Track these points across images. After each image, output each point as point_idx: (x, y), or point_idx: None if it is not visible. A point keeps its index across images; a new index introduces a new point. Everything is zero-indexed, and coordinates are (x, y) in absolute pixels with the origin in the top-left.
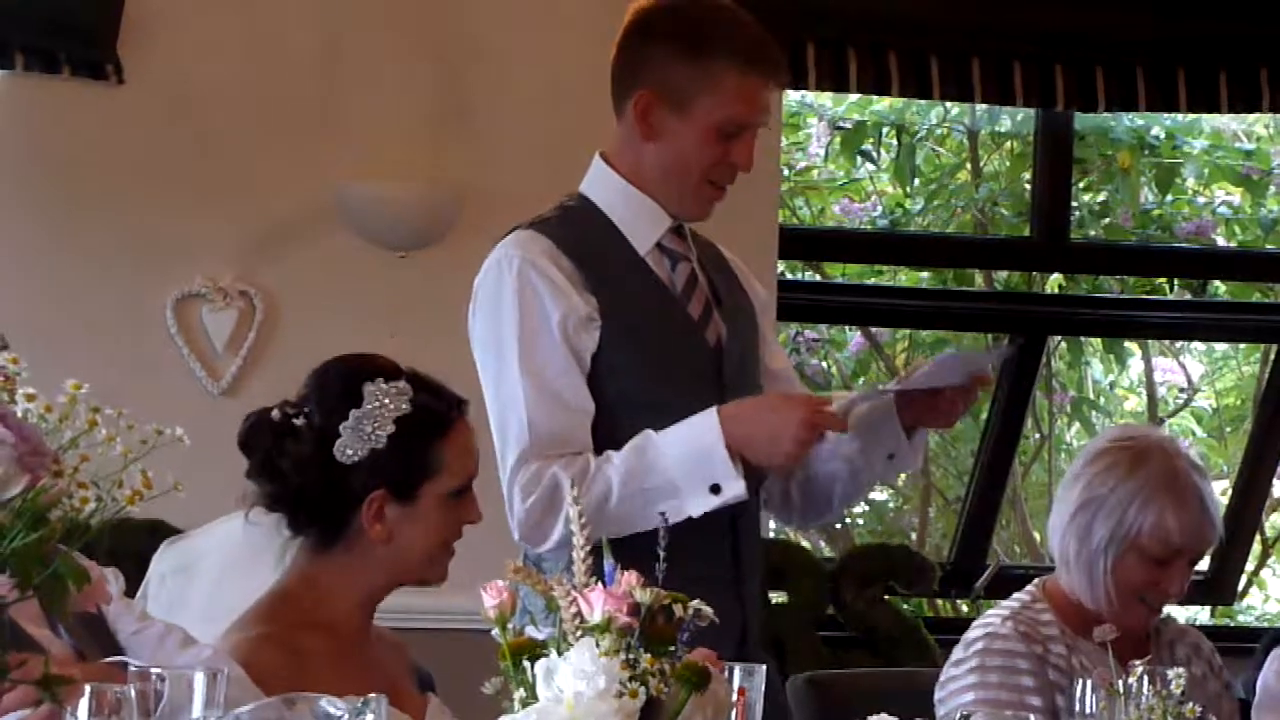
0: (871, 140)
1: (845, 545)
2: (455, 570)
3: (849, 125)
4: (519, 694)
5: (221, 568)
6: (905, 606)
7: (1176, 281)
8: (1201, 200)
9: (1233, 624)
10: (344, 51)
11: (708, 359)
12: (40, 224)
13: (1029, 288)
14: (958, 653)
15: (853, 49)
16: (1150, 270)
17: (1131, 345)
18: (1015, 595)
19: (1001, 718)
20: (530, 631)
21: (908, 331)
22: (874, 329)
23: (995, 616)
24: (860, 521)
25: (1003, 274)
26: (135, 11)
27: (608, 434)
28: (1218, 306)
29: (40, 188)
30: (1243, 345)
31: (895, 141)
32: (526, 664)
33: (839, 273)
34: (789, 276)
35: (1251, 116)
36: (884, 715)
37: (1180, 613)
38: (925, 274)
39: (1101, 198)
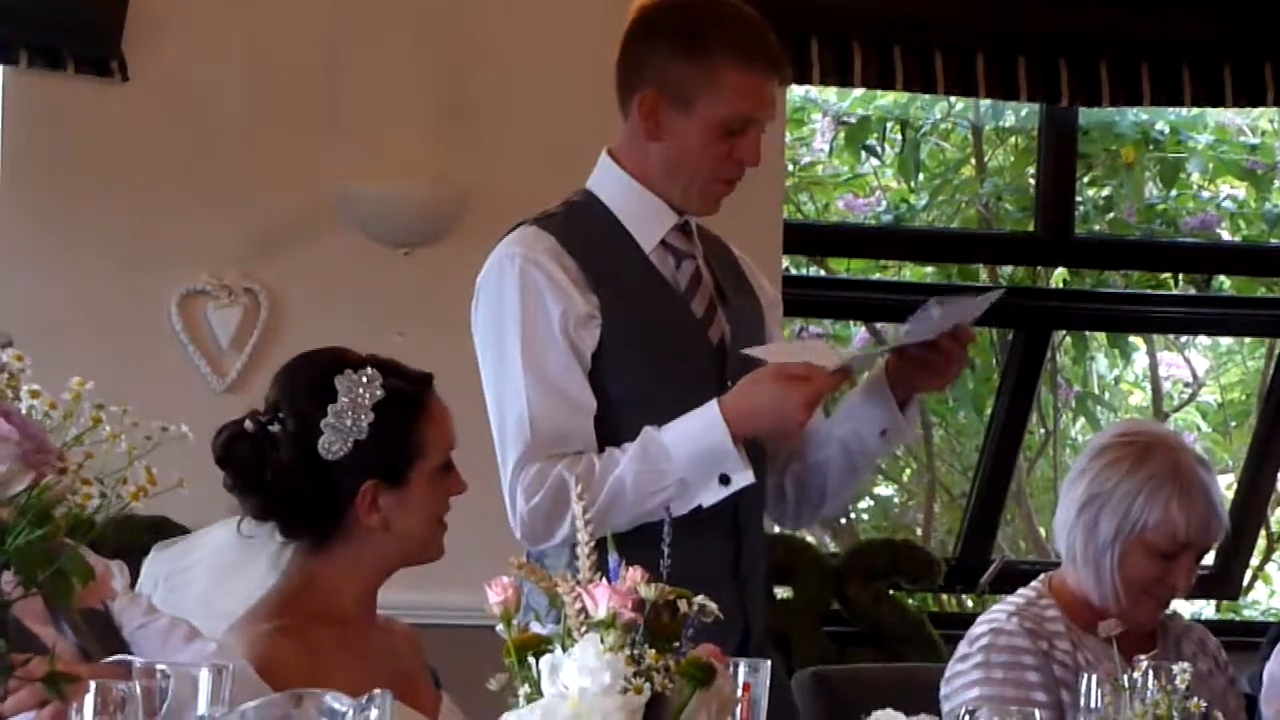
0: (876, 135)
1: (850, 541)
2: (459, 566)
3: (853, 120)
4: (524, 690)
5: (215, 572)
6: (910, 602)
7: (1181, 276)
8: (1206, 195)
9: (1238, 618)
10: (348, 50)
11: (711, 357)
12: (44, 221)
13: (1033, 282)
14: (963, 649)
15: (857, 43)
16: (1155, 265)
17: (1136, 340)
18: (1020, 591)
19: (1007, 713)
20: (535, 628)
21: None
22: (879, 324)
23: (1000, 612)
24: (865, 517)
25: (1007, 269)
26: (140, 9)
27: (610, 432)
28: (1222, 301)
29: (44, 185)
30: (1247, 340)
31: (899, 136)
32: (531, 660)
33: (843, 268)
34: (794, 272)
35: (1256, 111)
36: (889, 710)
37: (1185, 607)
38: (930, 269)
39: (1106, 192)
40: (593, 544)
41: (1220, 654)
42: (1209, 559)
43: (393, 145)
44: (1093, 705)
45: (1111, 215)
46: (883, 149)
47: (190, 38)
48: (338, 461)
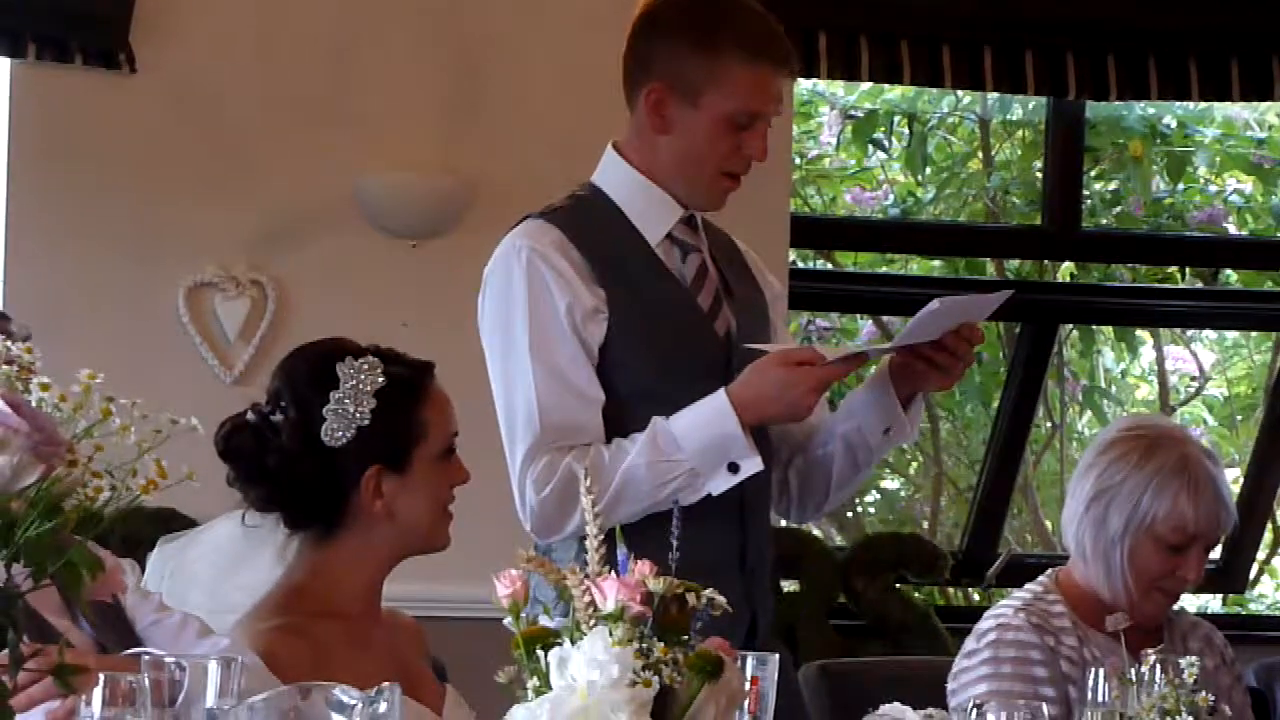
0: (883, 129)
1: (857, 534)
2: (466, 558)
3: (860, 114)
4: (532, 683)
5: (219, 566)
6: (917, 595)
7: (1188, 270)
8: (1213, 189)
9: (1244, 612)
10: (356, 42)
11: (717, 350)
12: (52, 213)
13: (1040, 276)
14: (970, 644)
15: (864, 37)
16: (1162, 259)
17: (1143, 334)
18: (1027, 586)
19: (1014, 708)
20: (543, 621)
21: None
22: (885, 317)
23: (1007, 608)
24: (872, 510)
25: (1014, 262)
26: (147, 2)
27: (617, 425)
28: (1229, 295)
29: (52, 177)
30: (1254, 334)
31: (907, 130)
32: (540, 653)
33: (850, 261)
34: (800, 265)
35: (1263, 105)
36: (896, 704)
37: (1192, 601)
38: (937, 262)
39: (1113, 186)
40: (601, 537)
41: (1226, 650)
42: (1215, 553)
43: (400, 138)
44: (1100, 699)
45: (1118, 209)
46: (890, 143)
47: (198, 30)
48: (340, 448)
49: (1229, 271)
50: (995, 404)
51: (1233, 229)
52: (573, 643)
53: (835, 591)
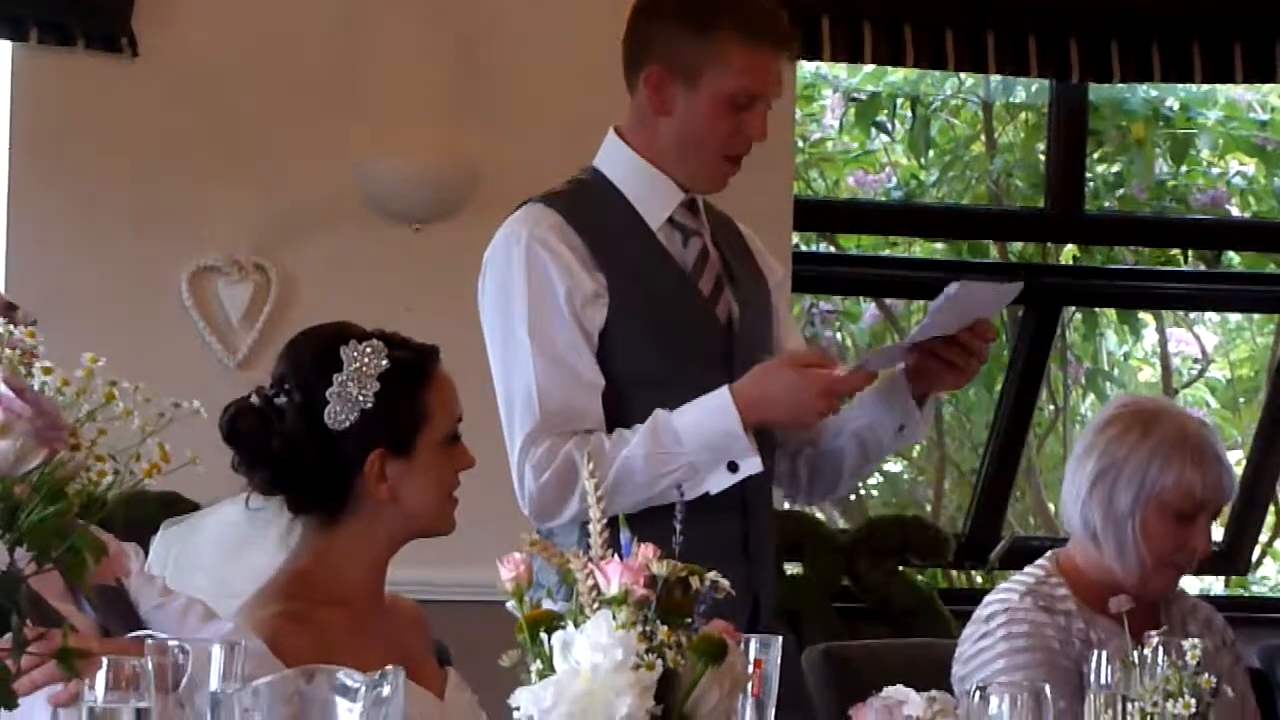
0: (886, 112)
1: (860, 517)
2: (469, 542)
3: (863, 97)
4: (536, 666)
5: (224, 552)
6: (920, 578)
7: (1191, 252)
8: (1216, 171)
9: (1246, 594)
10: (360, 25)
11: (718, 335)
12: (54, 197)
13: (1043, 259)
14: (977, 628)
15: (867, 20)
16: (1165, 241)
17: (1146, 316)
18: (1027, 570)
19: (1018, 689)
20: (546, 604)
21: (922, 303)
22: (888, 300)
23: (1011, 592)
24: (875, 494)
25: (1017, 245)
26: None
27: (617, 410)
28: (1232, 277)
29: (54, 160)
30: (1257, 316)
31: (910, 113)
32: (543, 636)
33: (853, 244)
34: (804, 248)
35: (1266, 87)
36: (899, 687)
37: (1194, 583)
38: (940, 245)
39: (1116, 169)
40: (604, 521)
41: (1227, 631)
42: (1218, 535)
43: (404, 122)
44: (1104, 682)
45: (1121, 192)
46: (893, 125)
47: (200, 14)
48: (344, 431)
49: (1232, 254)
50: (998, 387)
51: (1235, 211)
52: (576, 626)
53: (839, 575)
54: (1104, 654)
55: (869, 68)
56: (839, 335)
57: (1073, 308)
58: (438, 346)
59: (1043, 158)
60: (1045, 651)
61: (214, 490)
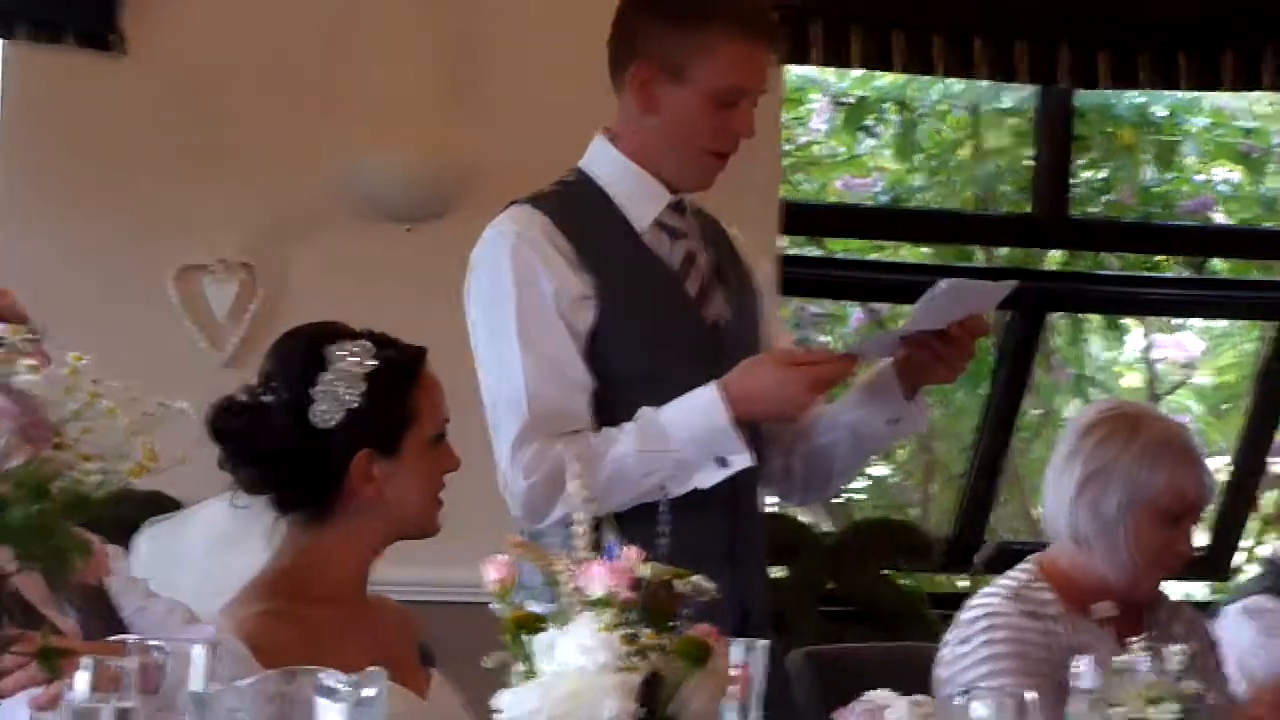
0: (873, 116)
1: (846, 520)
2: (454, 543)
3: (851, 101)
4: (520, 668)
5: (210, 550)
6: (905, 581)
7: (1176, 258)
8: (1201, 178)
9: (1228, 599)
10: (350, 23)
11: (706, 336)
12: (43, 194)
13: (1029, 264)
14: (960, 631)
15: (855, 25)
16: (1150, 247)
17: (1130, 322)
18: (1010, 573)
19: (1001, 695)
20: (530, 606)
21: (908, 306)
22: (875, 304)
23: (995, 596)
24: (862, 496)
25: (1004, 250)
26: None
27: (606, 411)
28: (1217, 284)
29: (44, 158)
30: (1241, 322)
31: (897, 117)
32: (528, 638)
33: (841, 248)
34: (791, 251)
35: (1252, 94)
36: (884, 690)
37: (1176, 588)
38: (927, 249)
39: (1102, 175)
40: (590, 523)
41: (1209, 634)
42: (1202, 540)
43: (395, 120)
44: (1087, 687)
45: (1108, 197)
46: (880, 130)
47: (189, 11)
48: (331, 430)
49: (1217, 260)
50: (984, 391)
51: (1221, 218)
52: (560, 628)
53: (824, 578)
54: (1089, 659)
55: (857, 72)
56: (827, 338)
57: (1058, 313)
58: (425, 348)
59: (1029, 163)
60: (1023, 659)
61: (198, 490)
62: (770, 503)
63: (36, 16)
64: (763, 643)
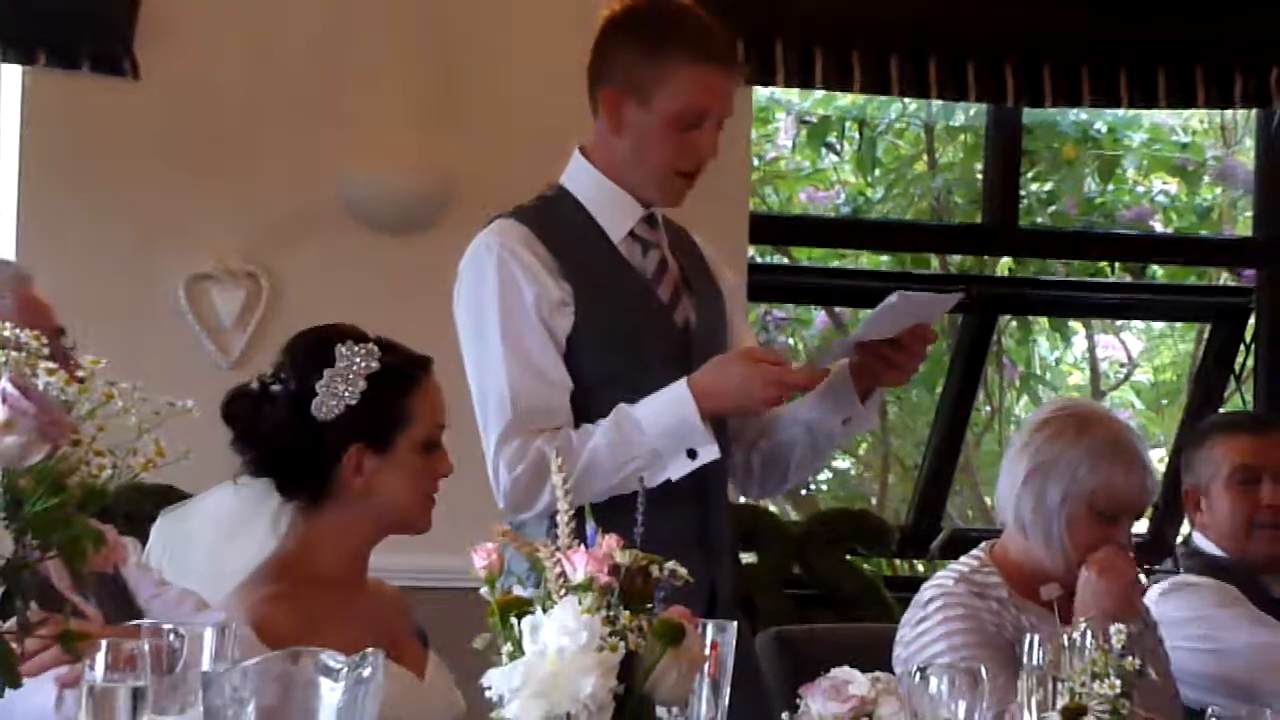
0: (835, 133)
1: (811, 510)
2: (444, 532)
3: (814, 119)
4: (506, 648)
5: (217, 535)
6: (866, 567)
7: (1118, 265)
8: (1141, 189)
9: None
10: (345, 47)
11: (676, 339)
12: (62, 210)
13: (981, 270)
14: (915, 613)
15: (818, 48)
16: (1093, 254)
17: (1076, 324)
18: (961, 560)
19: (955, 671)
20: (516, 591)
21: (869, 311)
22: (838, 308)
23: (947, 578)
24: (825, 488)
25: (956, 257)
26: (150, 11)
27: (583, 410)
28: (1156, 288)
29: (61, 176)
30: (1179, 324)
31: (857, 134)
32: (514, 620)
33: (805, 256)
34: (759, 260)
35: (1187, 112)
36: (846, 668)
37: None
38: (885, 257)
39: (1048, 187)
40: (572, 513)
41: (1149, 615)
42: (1142, 527)
43: (387, 137)
44: (1035, 663)
45: (1053, 208)
46: (842, 146)
47: (197, 38)
48: (328, 422)
49: (1156, 266)
50: (939, 389)
51: (1159, 227)
52: (544, 611)
53: (790, 564)
54: (1036, 638)
55: (819, 92)
56: (791, 340)
57: (1008, 315)
58: (430, 357)
59: (980, 176)
60: (981, 632)
61: (207, 481)
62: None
63: (55, 44)
64: (733, 624)
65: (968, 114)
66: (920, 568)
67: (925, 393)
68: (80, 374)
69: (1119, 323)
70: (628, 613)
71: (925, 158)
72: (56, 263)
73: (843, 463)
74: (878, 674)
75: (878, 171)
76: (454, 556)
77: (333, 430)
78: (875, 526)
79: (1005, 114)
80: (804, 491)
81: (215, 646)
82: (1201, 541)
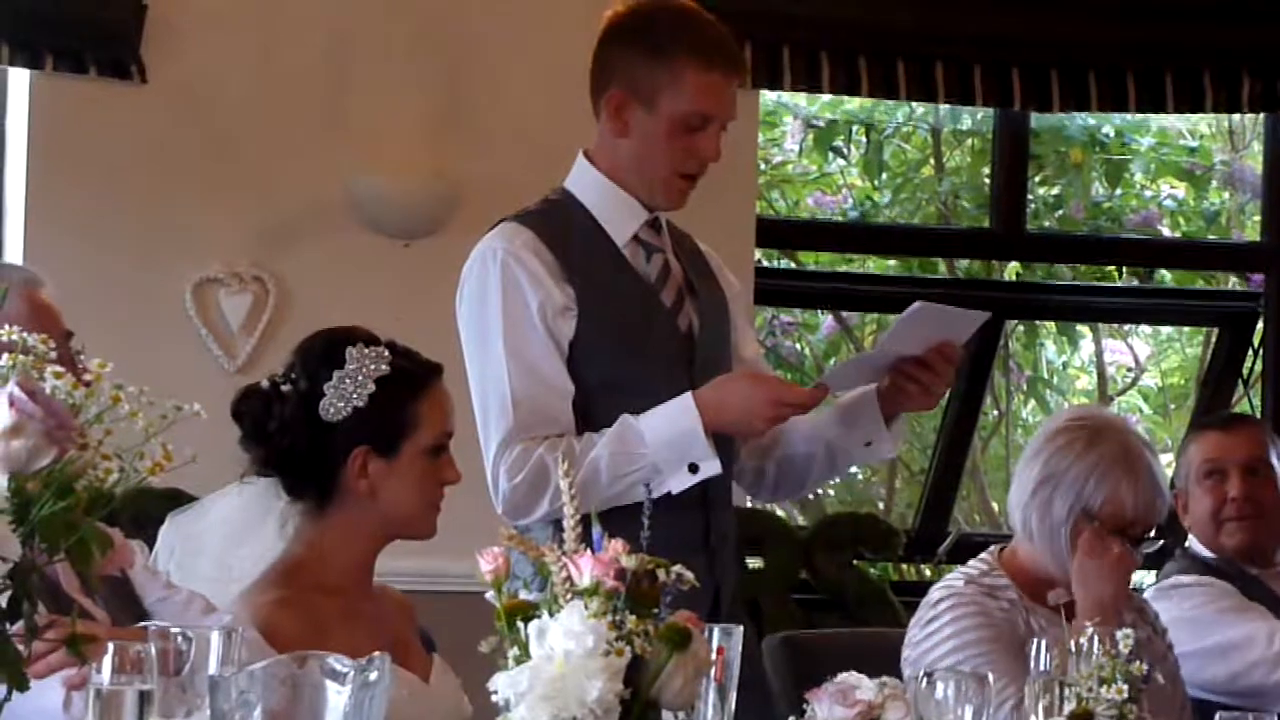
0: (842, 137)
1: (817, 514)
2: (451, 536)
3: (821, 123)
4: (513, 652)
5: (225, 538)
6: (873, 571)
7: (1125, 269)
8: (1148, 194)
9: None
10: (351, 53)
11: (680, 344)
12: (69, 214)
13: (988, 275)
14: (924, 613)
15: (825, 52)
16: (1101, 259)
17: (1083, 328)
18: (970, 563)
19: (961, 676)
20: (523, 595)
21: (876, 315)
22: (844, 313)
23: (956, 580)
24: (831, 492)
25: (964, 262)
26: (158, 16)
27: (587, 415)
28: (1163, 293)
29: (69, 180)
30: (1186, 329)
31: (864, 138)
32: (520, 624)
33: (812, 260)
34: (765, 264)
35: (1195, 116)
36: (853, 673)
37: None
38: (892, 262)
39: (1056, 191)
40: (578, 517)
41: (1157, 620)
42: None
43: (393, 143)
44: (1043, 668)
45: (1061, 212)
46: (849, 150)
47: (203, 43)
48: (336, 423)
49: (1163, 271)
50: (946, 394)
51: (1166, 231)
52: (551, 615)
53: (797, 568)
54: (1043, 642)
55: (827, 96)
56: (798, 345)
57: (1015, 320)
58: (441, 365)
59: (988, 180)
60: (992, 629)
61: (214, 485)
62: (746, 498)
63: (62, 48)
64: (739, 628)
65: (975, 118)
66: (927, 572)
67: None
68: (87, 378)
69: (1126, 327)
70: (634, 617)
71: (932, 162)
72: (63, 266)
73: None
74: (885, 679)
75: (885, 176)
76: (460, 561)
77: (340, 432)
78: (882, 531)
79: (1012, 118)
80: (811, 496)
81: (222, 650)
82: (1194, 544)
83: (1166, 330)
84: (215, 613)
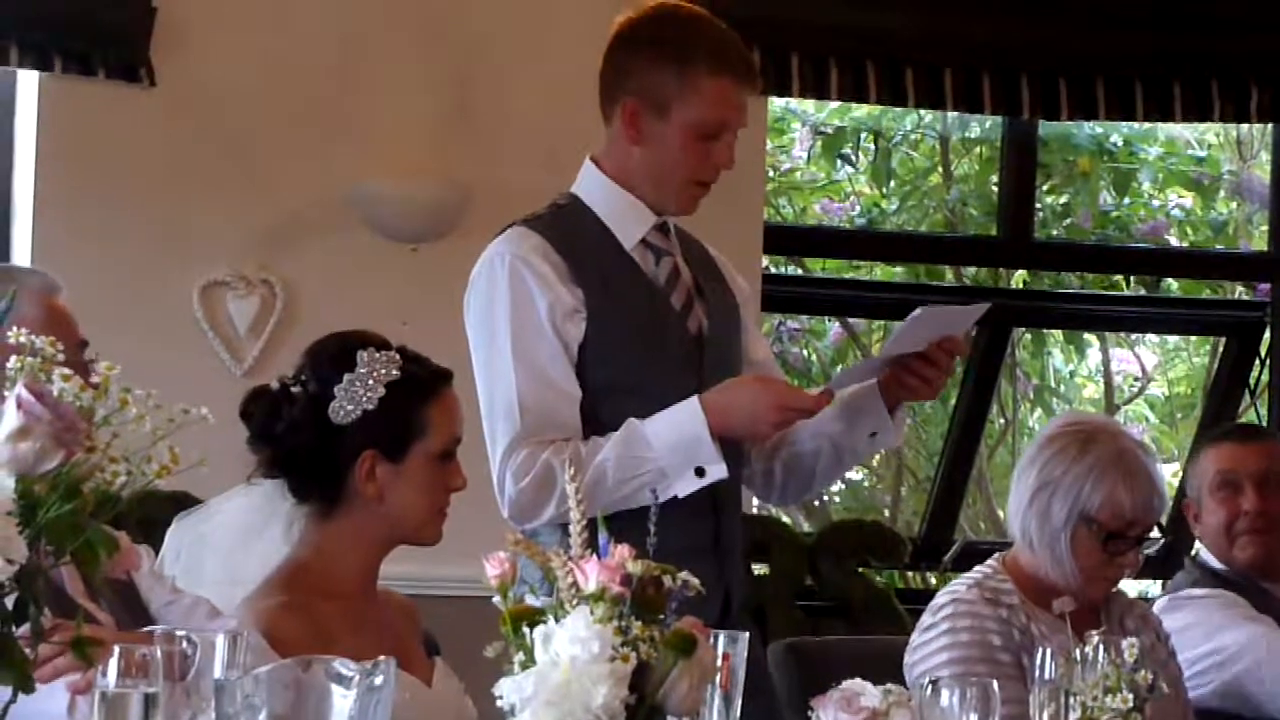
0: (850, 144)
1: (823, 521)
2: (457, 541)
3: (830, 130)
4: (518, 657)
5: (232, 541)
6: (878, 578)
7: (1132, 278)
8: (1156, 203)
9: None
10: (359, 56)
11: (689, 347)
12: (77, 217)
13: (995, 283)
14: (926, 619)
15: (833, 60)
16: (1108, 268)
17: (1090, 337)
18: (977, 568)
19: (967, 683)
20: (529, 600)
21: (883, 322)
22: (852, 320)
23: (960, 585)
24: (837, 499)
25: (971, 270)
26: (167, 19)
27: (595, 418)
28: (1170, 302)
29: (77, 183)
30: (1193, 338)
31: (872, 146)
32: (526, 630)
33: (819, 267)
34: (773, 270)
35: (1203, 125)
36: (857, 680)
37: (1133, 586)
38: (899, 269)
39: (1063, 200)
40: (584, 522)
41: (1161, 628)
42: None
43: (401, 147)
44: (1047, 677)
45: (1069, 221)
46: (857, 157)
47: (212, 46)
48: (344, 426)
49: (1170, 280)
50: (952, 401)
51: (1174, 240)
52: (557, 620)
53: (802, 574)
54: (1048, 651)
55: (835, 104)
56: (805, 352)
57: (1022, 328)
58: (451, 371)
59: (995, 188)
60: (983, 646)
61: (221, 488)
62: (752, 504)
63: (71, 51)
64: (745, 635)
65: (983, 126)
66: (932, 580)
67: (939, 405)
68: (95, 379)
69: (1134, 336)
70: (640, 623)
71: (940, 170)
72: (71, 269)
73: (855, 474)
74: (889, 686)
75: (893, 183)
76: (466, 565)
77: (348, 435)
78: (888, 538)
79: (1021, 126)
80: (816, 502)
81: (227, 654)
82: (1205, 554)
83: (1173, 339)
84: (220, 617)
